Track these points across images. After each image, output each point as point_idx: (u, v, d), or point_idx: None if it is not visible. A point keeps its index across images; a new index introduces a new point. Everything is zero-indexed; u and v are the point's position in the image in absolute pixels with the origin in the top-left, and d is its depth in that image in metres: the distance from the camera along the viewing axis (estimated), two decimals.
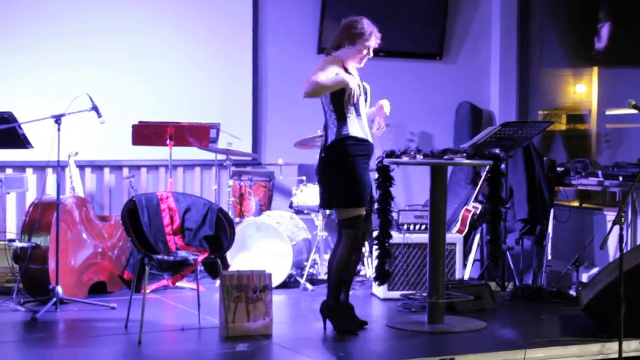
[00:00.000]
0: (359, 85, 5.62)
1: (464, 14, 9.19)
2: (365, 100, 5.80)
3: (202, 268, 5.99)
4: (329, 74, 5.51)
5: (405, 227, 6.94)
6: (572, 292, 6.87)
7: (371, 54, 5.75)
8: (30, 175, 7.52)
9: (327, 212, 7.29)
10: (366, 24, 5.71)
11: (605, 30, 8.58)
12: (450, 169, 8.53)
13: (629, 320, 5.06)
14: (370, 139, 5.72)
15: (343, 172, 5.60)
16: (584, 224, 7.66)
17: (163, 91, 8.05)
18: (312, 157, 7.52)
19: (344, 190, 5.62)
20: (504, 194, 7.07)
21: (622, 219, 5.00)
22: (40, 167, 7.50)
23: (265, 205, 7.71)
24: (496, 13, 9.21)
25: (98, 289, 6.85)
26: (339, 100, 5.59)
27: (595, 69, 8.86)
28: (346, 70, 5.66)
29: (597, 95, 8.79)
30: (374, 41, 5.71)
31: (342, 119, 5.61)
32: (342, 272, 5.72)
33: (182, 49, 8.12)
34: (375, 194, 6.08)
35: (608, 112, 8.65)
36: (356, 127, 5.62)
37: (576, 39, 9.02)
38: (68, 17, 7.73)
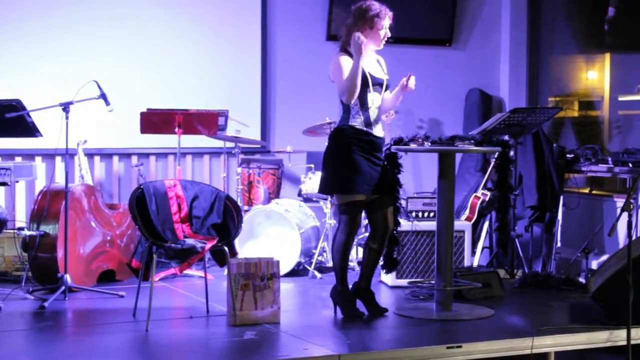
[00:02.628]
0: (368, 74, 5.69)
1: (474, 0, 9.15)
2: (385, 90, 5.86)
3: (210, 256, 5.99)
4: (346, 71, 5.62)
5: (413, 214, 6.93)
6: (582, 280, 6.85)
7: (389, 33, 5.80)
8: (39, 163, 7.54)
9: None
10: (377, 4, 5.81)
11: (617, 16, 8.52)
12: (459, 156, 8.51)
13: (637, 307, 5.05)
14: (378, 133, 5.78)
15: (338, 158, 5.71)
16: (594, 211, 7.63)
17: (171, 79, 8.04)
18: (321, 144, 7.48)
19: (338, 176, 5.72)
20: (513, 181, 7.05)
21: (631, 205, 4.97)
22: (49, 156, 7.52)
23: (274, 193, 7.70)
24: None
25: (107, 277, 6.87)
26: None
27: (608, 55, 8.81)
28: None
29: (610, 81, 8.74)
30: (388, 19, 5.79)
31: (347, 110, 5.73)
32: (343, 257, 5.80)
33: (190, 36, 8.11)
34: None
35: (620, 99, 8.60)
36: (359, 119, 5.70)
37: (587, 25, 8.96)
38: (76, 4, 7.72)
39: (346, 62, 5.66)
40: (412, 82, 5.80)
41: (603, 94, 8.77)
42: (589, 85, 9.03)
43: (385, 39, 5.82)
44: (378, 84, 5.77)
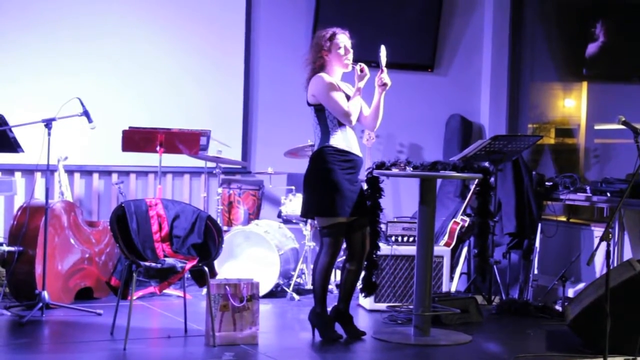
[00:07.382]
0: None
1: (456, 27, 9.22)
2: None
3: (190, 276, 5.98)
4: (341, 96, 5.72)
5: (393, 238, 6.95)
6: (558, 307, 6.89)
7: (350, 51, 5.83)
8: (19, 178, 7.49)
9: (316, 222, 7.32)
10: (326, 29, 5.89)
11: (595, 46, 8.62)
12: (439, 181, 8.55)
13: (614, 336, 5.08)
14: (357, 152, 5.79)
15: (321, 180, 5.72)
16: (571, 239, 7.67)
17: (154, 97, 8.04)
18: (302, 166, 7.47)
19: (321, 199, 5.74)
20: (493, 208, 7.09)
21: (610, 235, 5.01)
22: (29, 171, 7.49)
23: (254, 214, 7.71)
24: (488, 26, 9.24)
25: (84, 295, 6.83)
26: (323, 115, 5.73)
27: (585, 84, 8.91)
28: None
29: (586, 110, 8.83)
30: (343, 37, 5.83)
31: (325, 132, 5.74)
32: (325, 279, 5.80)
33: (174, 56, 8.12)
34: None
35: (597, 127, 8.68)
36: (339, 139, 5.73)
37: (567, 54, 9.06)
38: (60, 22, 7.71)
39: (332, 82, 5.70)
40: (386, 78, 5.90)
41: (580, 122, 8.86)
42: (566, 113, 9.11)
43: (349, 56, 5.82)
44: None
